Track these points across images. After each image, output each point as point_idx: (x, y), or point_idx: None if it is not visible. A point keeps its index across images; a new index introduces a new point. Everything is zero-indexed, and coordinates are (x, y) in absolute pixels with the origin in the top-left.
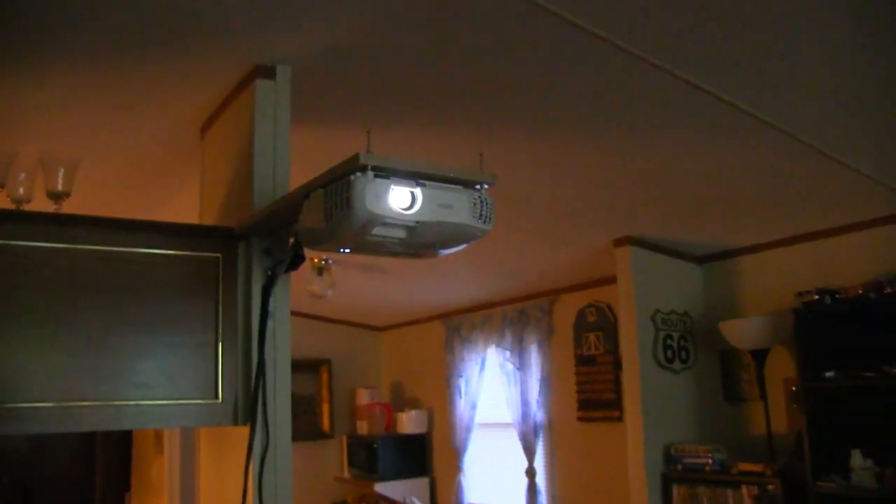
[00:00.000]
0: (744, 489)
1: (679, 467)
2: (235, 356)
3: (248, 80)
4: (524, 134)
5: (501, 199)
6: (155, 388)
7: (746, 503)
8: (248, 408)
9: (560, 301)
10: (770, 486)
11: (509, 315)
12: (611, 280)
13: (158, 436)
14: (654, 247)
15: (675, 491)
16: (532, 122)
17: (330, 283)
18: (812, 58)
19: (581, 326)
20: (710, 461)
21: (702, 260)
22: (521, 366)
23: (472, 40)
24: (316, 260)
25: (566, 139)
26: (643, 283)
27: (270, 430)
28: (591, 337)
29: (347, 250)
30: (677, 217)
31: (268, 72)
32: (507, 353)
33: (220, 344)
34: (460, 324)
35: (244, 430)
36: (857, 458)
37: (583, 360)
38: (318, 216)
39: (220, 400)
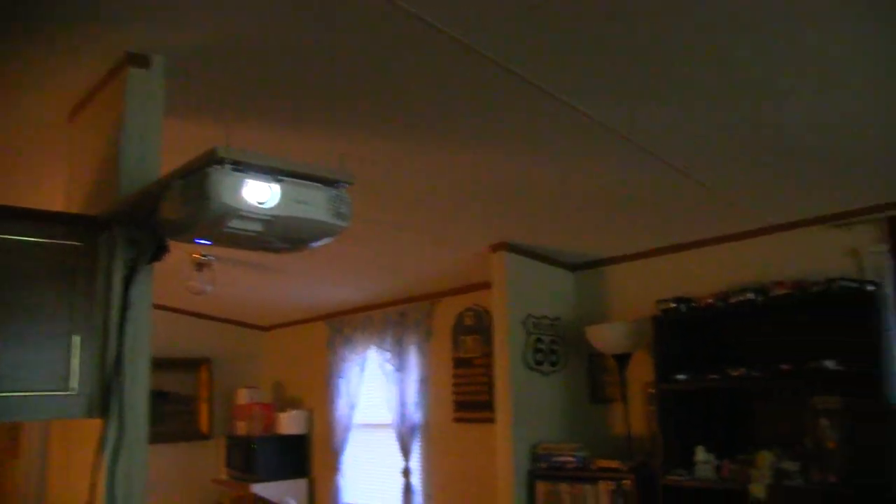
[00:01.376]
0: (601, 485)
1: (544, 465)
2: (93, 348)
3: (119, 68)
4: (399, 137)
5: (381, 200)
6: (3, 379)
7: (603, 498)
8: (103, 400)
9: (440, 304)
10: (625, 482)
11: (390, 317)
12: (489, 285)
13: (13, 437)
14: (529, 253)
15: (540, 488)
16: (406, 126)
17: (210, 279)
18: (680, 79)
19: (459, 329)
20: (573, 459)
21: (574, 267)
22: (401, 367)
23: (340, 40)
24: (196, 255)
25: (441, 144)
26: (517, 287)
27: (126, 423)
28: (469, 340)
29: (207, 242)
30: (551, 226)
31: (141, 61)
32: (388, 355)
33: (77, 335)
34: (343, 324)
35: (99, 425)
36: (700, 454)
37: (460, 363)
38: (177, 207)
39: (75, 392)
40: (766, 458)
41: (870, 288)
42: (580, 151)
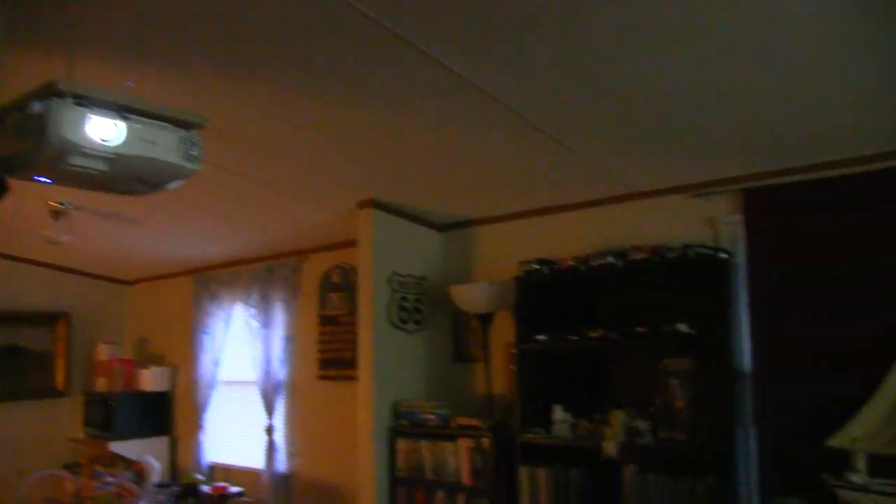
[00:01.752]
0: (461, 442)
1: (405, 422)
2: None
3: None
4: (266, 88)
5: (248, 152)
6: None
7: (463, 455)
8: None
9: (308, 261)
10: (484, 439)
11: (258, 273)
12: (357, 243)
13: None
14: (397, 212)
15: (400, 444)
16: (272, 77)
17: (67, 228)
18: (553, 44)
19: (326, 287)
20: (434, 417)
21: (442, 228)
22: (267, 324)
23: None
24: (52, 203)
25: (309, 97)
26: (383, 245)
27: None
28: (336, 298)
29: (48, 180)
30: (420, 185)
31: None
32: (254, 311)
33: None
34: (209, 280)
35: None
36: (558, 413)
37: (326, 321)
38: (13, 142)
39: None
40: (618, 417)
41: (723, 256)
42: (451, 112)
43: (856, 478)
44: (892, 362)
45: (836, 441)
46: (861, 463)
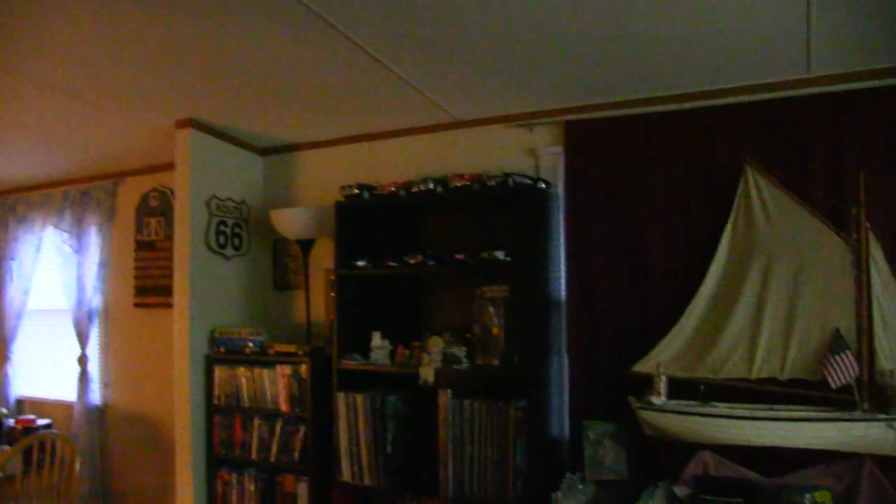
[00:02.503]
0: (279, 368)
1: (222, 349)
2: None
3: None
4: None
5: (55, 59)
6: None
7: (281, 381)
8: None
9: (125, 184)
10: (302, 366)
11: (71, 195)
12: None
13: None
14: (217, 133)
15: (217, 372)
16: None
17: None
18: None
19: (143, 211)
20: (251, 343)
21: (264, 152)
22: (80, 249)
23: None
24: None
25: (122, 3)
26: (202, 167)
27: None
28: (153, 222)
29: None
30: (241, 107)
31: None
32: (66, 236)
33: None
34: (17, 202)
35: None
36: (376, 340)
37: (143, 246)
38: None
39: None
40: (436, 344)
41: (542, 186)
42: (271, 27)
43: (656, 400)
44: (693, 296)
45: (641, 367)
46: (661, 386)
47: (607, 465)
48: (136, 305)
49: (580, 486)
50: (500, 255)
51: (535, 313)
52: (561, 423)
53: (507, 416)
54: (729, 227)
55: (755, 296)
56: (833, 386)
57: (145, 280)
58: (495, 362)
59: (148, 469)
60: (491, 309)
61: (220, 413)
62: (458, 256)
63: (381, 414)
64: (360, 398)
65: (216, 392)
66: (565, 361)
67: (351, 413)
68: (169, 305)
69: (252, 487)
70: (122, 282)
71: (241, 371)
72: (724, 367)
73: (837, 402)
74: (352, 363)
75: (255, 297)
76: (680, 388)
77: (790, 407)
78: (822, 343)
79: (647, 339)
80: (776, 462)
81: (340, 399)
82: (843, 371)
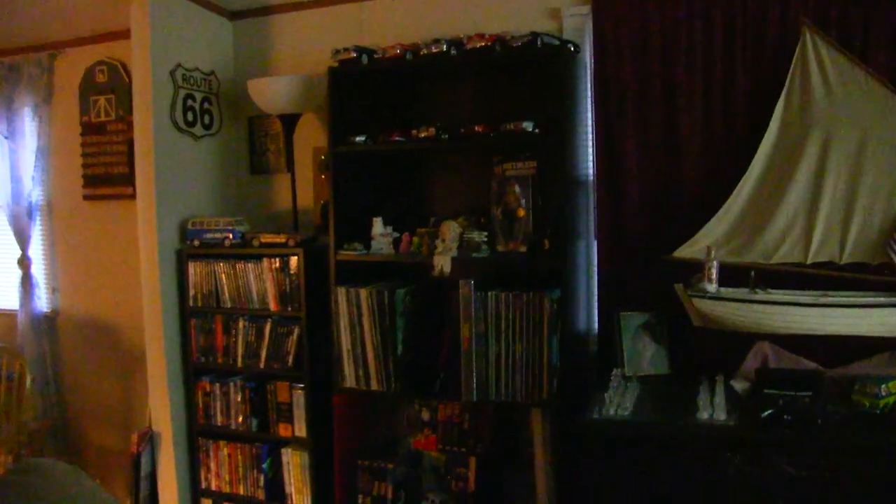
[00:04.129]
0: (265, 262)
1: (196, 242)
2: None
3: None
4: None
5: None
6: None
7: (268, 276)
8: None
9: (63, 57)
10: (292, 258)
11: None
12: (128, 33)
13: None
14: None
15: (193, 268)
16: None
17: None
18: None
19: (89, 88)
20: (231, 235)
21: (234, 15)
22: (12, 134)
23: None
24: None
25: None
26: (163, 34)
27: None
28: (101, 101)
29: None
30: None
31: None
32: None
33: None
34: None
35: None
36: (378, 226)
37: (90, 129)
38: None
39: None
40: (452, 229)
41: (570, 48)
42: None
43: (709, 287)
44: (738, 176)
45: (685, 252)
46: (713, 272)
47: (648, 360)
48: (86, 198)
49: (626, 384)
50: (528, 126)
51: (564, 193)
52: (588, 315)
53: (540, 309)
54: (782, 100)
55: (812, 173)
56: None
57: (95, 168)
58: (521, 248)
59: (108, 383)
60: (517, 188)
61: (197, 316)
62: (476, 129)
63: (389, 310)
64: (363, 293)
65: (191, 292)
66: (594, 247)
67: (353, 310)
68: (125, 197)
69: (239, 398)
70: (67, 172)
71: (221, 267)
72: (778, 251)
73: None
74: (352, 253)
75: (229, 184)
76: (726, 275)
77: (850, 293)
78: (886, 223)
79: (684, 224)
80: (835, 351)
81: (341, 294)
82: None
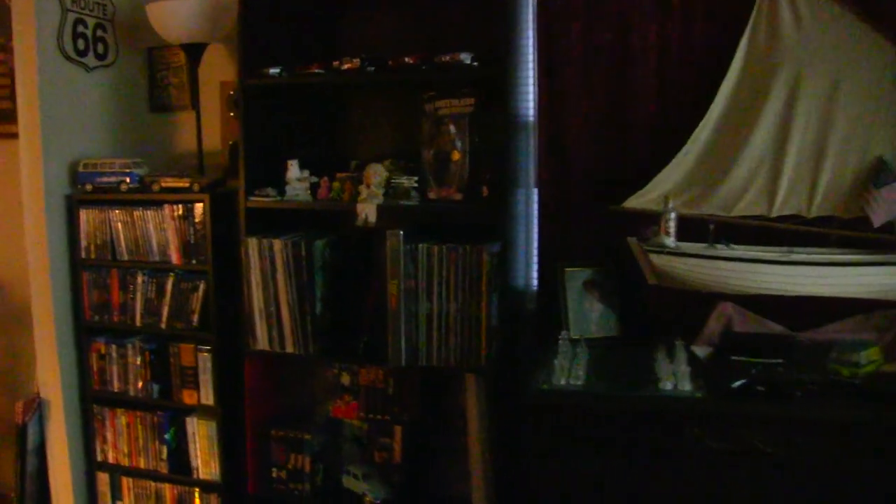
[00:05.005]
0: (167, 209)
1: (89, 187)
2: None
3: None
4: None
5: None
6: None
7: (170, 225)
8: None
9: None
10: (198, 205)
11: None
12: None
13: None
14: None
15: (84, 216)
16: None
17: None
18: None
19: None
20: (128, 179)
21: None
22: None
23: None
24: None
25: None
26: None
27: None
28: None
29: None
30: None
31: None
32: None
33: None
34: None
35: None
36: (293, 170)
37: None
38: None
39: None
40: (377, 173)
41: None
42: None
43: (668, 241)
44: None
45: (637, 202)
46: (671, 225)
47: (595, 321)
48: None
49: (575, 349)
50: (465, 57)
51: (505, 134)
52: (527, 271)
53: (478, 264)
54: (746, 36)
55: (779, 116)
56: (875, 224)
57: None
58: (456, 196)
59: None
60: (451, 128)
61: (89, 269)
62: (406, 60)
63: (307, 264)
64: (277, 244)
65: (83, 243)
66: (534, 196)
67: (266, 264)
68: (8, 136)
69: (138, 361)
70: None
71: (116, 214)
72: (739, 202)
73: (876, 243)
74: (265, 200)
75: (127, 122)
76: (679, 229)
77: (819, 250)
78: (860, 174)
79: (634, 172)
80: (802, 315)
81: (252, 246)
82: (888, 206)
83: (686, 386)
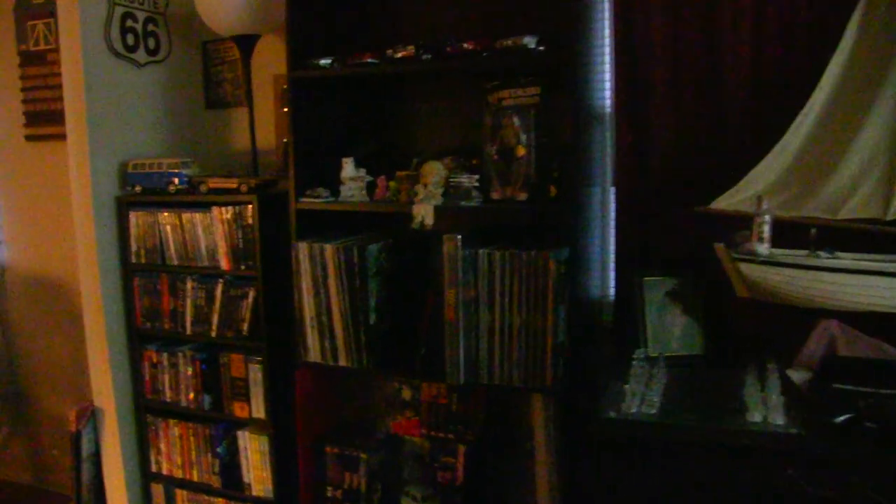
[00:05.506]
0: (215, 211)
1: (138, 188)
2: None
3: None
4: None
5: None
6: None
7: (219, 229)
8: None
9: None
10: (247, 207)
11: None
12: None
13: None
14: None
15: (134, 219)
16: None
17: None
18: None
19: (24, 11)
20: (177, 180)
21: None
22: None
23: None
24: None
25: None
26: None
27: None
28: (40, 26)
29: None
30: None
31: None
32: None
33: None
34: None
35: None
36: (348, 169)
37: (29, 59)
38: None
39: None
40: (435, 171)
41: None
42: None
43: (761, 248)
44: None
45: (726, 202)
46: (765, 230)
47: (677, 337)
48: (29, 139)
49: (652, 370)
50: (529, 42)
51: (576, 127)
52: (603, 281)
53: (544, 271)
54: (859, 10)
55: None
56: None
57: (37, 105)
58: (521, 196)
59: (61, 346)
60: (516, 121)
61: (140, 273)
62: (465, 46)
63: (360, 270)
64: (329, 249)
65: (133, 246)
66: (610, 197)
67: (318, 270)
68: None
69: (190, 371)
70: (5, 108)
71: (165, 217)
72: (847, 203)
73: None
74: (316, 201)
75: (181, 120)
76: (774, 234)
77: None
78: None
79: (724, 169)
80: None
81: (302, 250)
82: None
83: (779, 419)
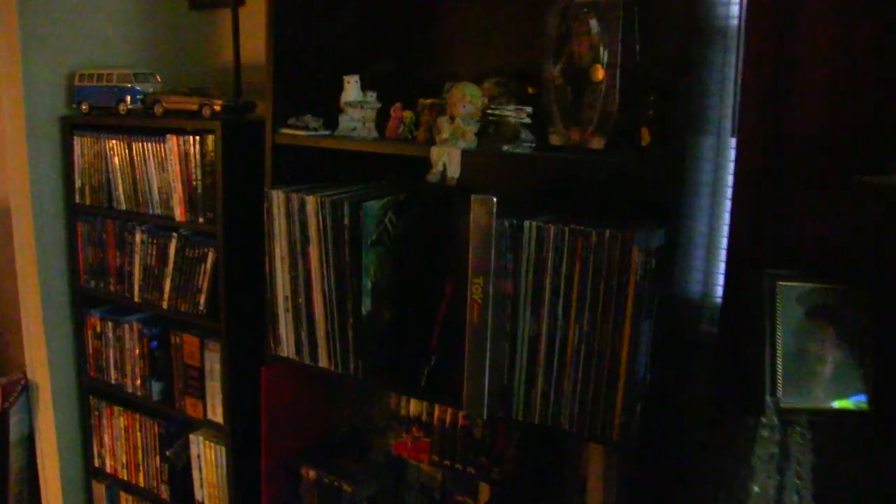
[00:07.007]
0: (173, 141)
1: (84, 106)
2: None
3: None
4: None
5: None
6: None
7: (174, 165)
8: None
9: None
10: (209, 136)
11: None
12: None
13: None
14: None
15: (79, 147)
16: None
17: None
18: None
19: None
20: (128, 97)
21: None
22: None
23: None
24: None
25: None
26: None
27: None
28: None
29: None
30: None
31: None
32: None
33: None
34: None
35: None
36: (351, 90)
37: None
38: None
39: None
40: (467, 99)
41: None
42: None
43: None
44: None
45: None
46: None
47: (828, 378)
48: None
49: (790, 439)
50: None
51: (682, 43)
52: (708, 281)
53: (624, 263)
54: None
55: None
56: None
57: None
58: (595, 142)
59: None
60: (593, 26)
61: (83, 217)
62: None
63: (352, 236)
64: (311, 202)
65: (77, 181)
66: (729, 153)
67: (295, 231)
68: None
69: (137, 350)
70: None
71: (113, 145)
72: None
73: None
74: (301, 133)
75: (156, 21)
76: None
77: None
78: None
79: None
80: None
81: (277, 202)
82: None
83: None
